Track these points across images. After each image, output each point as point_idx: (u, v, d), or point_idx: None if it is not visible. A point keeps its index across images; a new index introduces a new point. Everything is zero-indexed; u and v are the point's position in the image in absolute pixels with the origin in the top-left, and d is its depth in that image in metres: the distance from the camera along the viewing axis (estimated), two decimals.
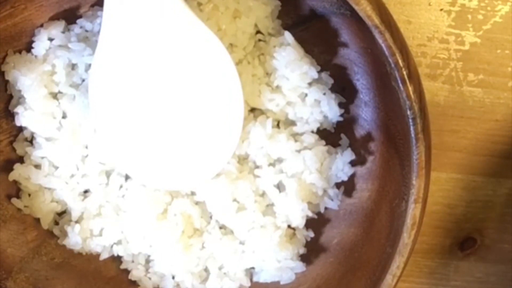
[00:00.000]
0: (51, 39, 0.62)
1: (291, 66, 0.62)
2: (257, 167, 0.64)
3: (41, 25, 0.62)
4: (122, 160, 0.61)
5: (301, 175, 0.63)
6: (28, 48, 0.62)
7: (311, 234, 0.65)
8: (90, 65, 0.62)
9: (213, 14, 0.62)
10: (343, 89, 0.64)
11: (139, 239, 0.63)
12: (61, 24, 0.62)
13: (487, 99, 0.67)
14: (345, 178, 0.64)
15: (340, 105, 0.63)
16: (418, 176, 0.57)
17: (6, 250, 0.63)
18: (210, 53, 0.59)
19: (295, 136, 0.63)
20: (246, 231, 0.63)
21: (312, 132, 0.63)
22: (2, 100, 0.63)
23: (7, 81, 0.62)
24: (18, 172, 0.63)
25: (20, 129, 0.63)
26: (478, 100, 0.67)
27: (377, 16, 0.55)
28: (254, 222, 0.63)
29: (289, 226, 0.64)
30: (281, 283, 0.65)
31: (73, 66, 0.63)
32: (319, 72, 0.63)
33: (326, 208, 0.65)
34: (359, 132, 0.64)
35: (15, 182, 0.64)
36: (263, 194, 0.64)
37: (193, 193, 0.64)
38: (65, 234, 0.64)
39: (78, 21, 0.63)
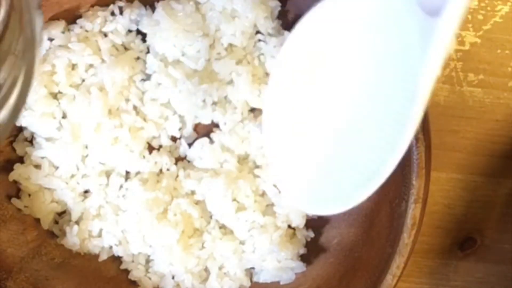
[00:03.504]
0: (51, 39, 0.62)
1: None
2: (257, 167, 0.64)
3: None
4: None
5: None
6: None
7: (311, 234, 0.65)
8: (90, 65, 0.62)
9: (211, 14, 0.62)
10: None
11: (139, 239, 0.63)
12: (61, 24, 0.62)
13: (487, 99, 0.67)
14: None
15: None
16: (418, 176, 0.57)
17: (6, 250, 0.63)
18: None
19: None
20: (246, 231, 0.63)
21: None
22: None
23: None
24: (18, 172, 0.63)
25: (20, 129, 0.63)
26: (478, 100, 0.67)
27: None
28: (254, 222, 0.63)
29: (289, 226, 0.64)
30: (281, 283, 0.65)
31: (73, 66, 0.63)
32: None
33: None
34: None
35: (15, 182, 0.64)
36: (263, 194, 0.64)
37: (193, 193, 0.64)
38: (64, 233, 0.64)
39: (78, 21, 0.63)
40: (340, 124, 0.53)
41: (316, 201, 0.55)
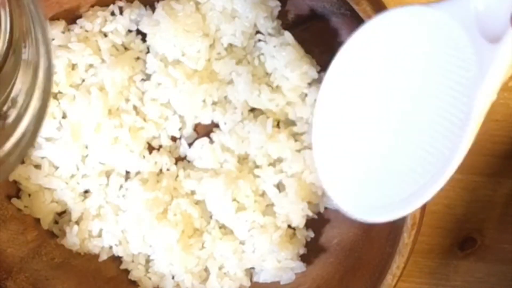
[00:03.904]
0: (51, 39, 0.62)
1: (291, 66, 0.62)
2: (257, 167, 0.64)
3: None
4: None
5: (301, 174, 0.63)
6: None
7: (311, 234, 0.65)
8: (90, 65, 0.62)
9: (211, 14, 0.62)
10: None
11: (139, 239, 0.63)
12: (61, 24, 0.62)
13: None
14: None
15: None
16: None
17: (6, 250, 0.63)
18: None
19: (295, 136, 0.63)
20: (246, 231, 0.63)
21: None
22: None
23: None
24: (18, 172, 0.63)
25: None
26: None
27: None
28: (254, 222, 0.63)
29: (289, 226, 0.64)
30: (281, 283, 0.65)
31: (73, 66, 0.63)
32: (319, 72, 0.63)
33: (326, 208, 0.65)
34: None
35: (15, 182, 0.64)
36: (263, 194, 0.64)
37: (193, 193, 0.64)
38: (64, 233, 0.64)
39: (78, 21, 0.63)
40: (391, 135, 0.53)
41: (364, 207, 0.55)
